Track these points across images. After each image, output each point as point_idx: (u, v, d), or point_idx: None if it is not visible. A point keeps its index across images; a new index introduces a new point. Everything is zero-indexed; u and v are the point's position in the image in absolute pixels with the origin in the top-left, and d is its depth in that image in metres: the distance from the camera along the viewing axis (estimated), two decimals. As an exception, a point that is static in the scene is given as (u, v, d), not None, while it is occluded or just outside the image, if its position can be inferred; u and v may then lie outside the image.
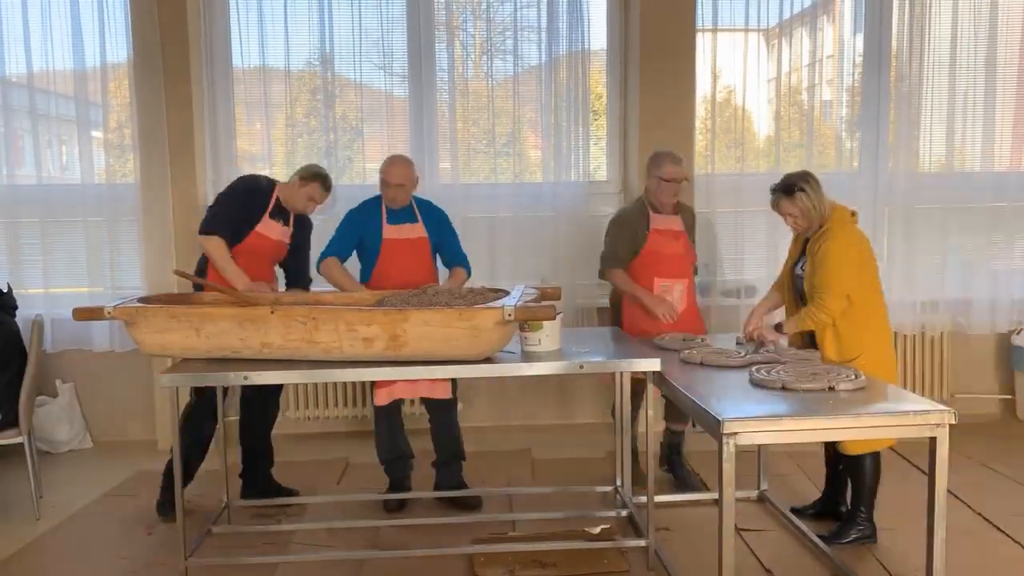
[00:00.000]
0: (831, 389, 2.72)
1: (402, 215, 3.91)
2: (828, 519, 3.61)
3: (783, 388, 2.76)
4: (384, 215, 3.89)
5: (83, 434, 5.05)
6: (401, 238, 3.88)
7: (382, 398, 3.80)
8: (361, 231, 3.90)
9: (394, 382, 3.72)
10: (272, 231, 3.81)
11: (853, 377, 2.81)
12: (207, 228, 3.68)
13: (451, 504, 3.91)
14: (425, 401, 3.95)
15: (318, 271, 3.90)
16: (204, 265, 3.77)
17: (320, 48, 5.01)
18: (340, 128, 5.19)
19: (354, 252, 3.96)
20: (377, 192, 3.95)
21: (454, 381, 3.91)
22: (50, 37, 4.89)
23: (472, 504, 3.90)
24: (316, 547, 3.53)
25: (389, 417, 3.91)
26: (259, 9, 4.97)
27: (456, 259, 4.01)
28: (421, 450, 4.04)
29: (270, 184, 3.90)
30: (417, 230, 3.91)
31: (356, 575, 3.27)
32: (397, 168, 3.85)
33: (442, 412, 3.92)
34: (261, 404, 3.97)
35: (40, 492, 4.01)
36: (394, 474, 3.97)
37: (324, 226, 4.13)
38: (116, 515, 3.93)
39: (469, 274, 4.01)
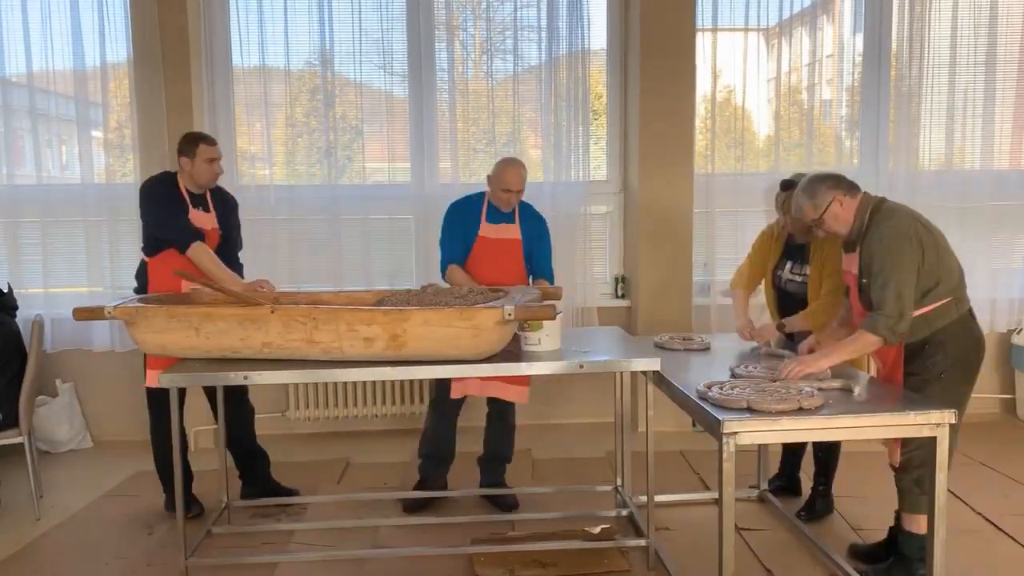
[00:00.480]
0: (801, 410, 2.52)
1: (502, 215, 3.89)
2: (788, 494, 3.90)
3: (748, 409, 2.53)
4: (484, 212, 3.88)
5: (83, 434, 5.05)
6: (495, 237, 3.86)
7: (455, 391, 3.78)
8: (464, 229, 3.88)
9: (466, 379, 3.68)
10: (201, 221, 3.71)
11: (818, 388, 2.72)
12: (185, 242, 3.58)
13: (488, 502, 3.93)
14: (491, 401, 3.93)
15: (443, 279, 3.88)
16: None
17: (320, 48, 5.01)
18: (340, 128, 5.19)
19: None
20: (477, 189, 3.95)
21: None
22: (50, 37, 4.88)
23: (508, 504, 3.89)
24: (316, 547, 3.53)
25: (447, 414, 3.90)
26: (259, 9, 4.97)
27: (542, 271, 3.94)
28: (463, 452, 4.04)
29: (172, 179, 3.75)
30: (512, 231, 3.89)
31: (356, 575, 3.27)
32: (515, 174, 3.78)
33: (507, 412, 3.94)
34: (235, 404, 3.88)
35: (40, 492, 4.01)
36: (426, 472, 3.96)
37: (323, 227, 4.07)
38: (116, 515, 3.93)
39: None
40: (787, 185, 3.46)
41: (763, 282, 3.80)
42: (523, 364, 3.14)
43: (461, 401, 3.90)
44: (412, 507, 3.86)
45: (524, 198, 3.92)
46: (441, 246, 3.93)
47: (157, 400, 3.67)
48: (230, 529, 3.67)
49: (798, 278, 3.57)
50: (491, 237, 3.87)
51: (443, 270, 3.88)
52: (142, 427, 5.04)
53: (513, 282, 3.76)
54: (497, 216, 3.89)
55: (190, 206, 3.72)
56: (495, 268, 3.82)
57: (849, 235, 2.97)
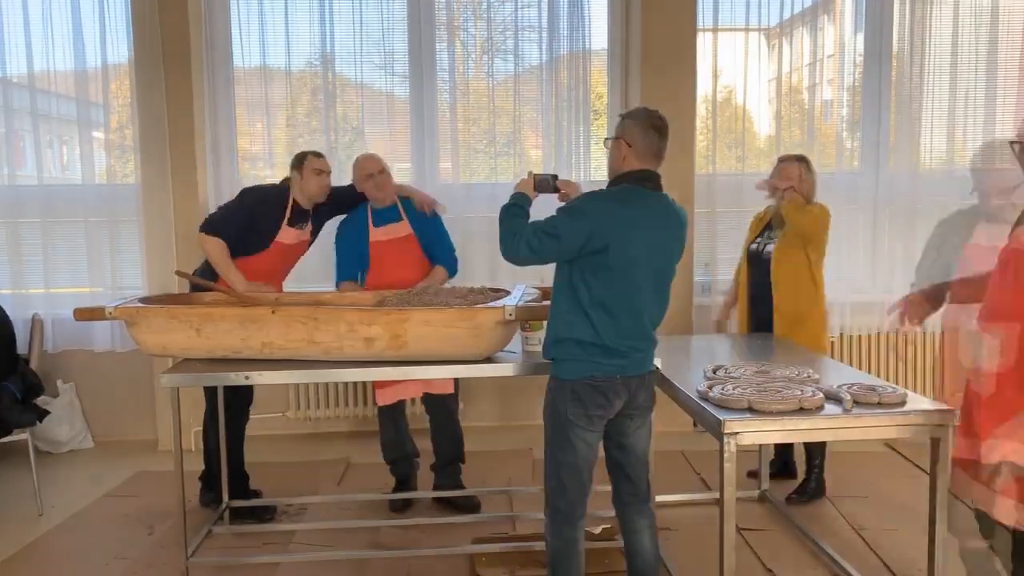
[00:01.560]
0: (801, 410, 2.52)
1: (386, 215, 3.87)
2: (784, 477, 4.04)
3: (750, 409, 2.54)
4: (369, 219, 3.86)
5: (83, 434, 5.05)
6: (388, 239, 3.84)
7: (385, 398, 3.79)
8: (352, 242, 3.87)
9: (395, 382, 3.71)
10: (288, 237, 3.79)
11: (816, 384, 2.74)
12: (210, 229, 3.66)
13: (449, 505, 3.91)
14: (425, 401, 3.93)
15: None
16: (207, 267, 3.77)
17: (321, 48, 5.01)
18: (341, 128, 5.19)
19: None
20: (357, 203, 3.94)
21: (456, 381, 3.89)
22: (51, 37, 4.89)
23: (470, 505, 3.89)
24: (316, 547, 3.53)
25: (393, 417, 3.91)
26: (259, 9, 4.97)
27: (440, 256, 3.91)
28: (425, 449, 4.04)
29: (282, 193, 3.80)
30: (402, 228, 3.87)
31: (356, 575, 3.27)
32: (368, 157, 3.85)
33: (442, 411, 3.90)
34: (238, 409, 3.86)
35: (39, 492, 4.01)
36: (399, 473, 3.97)
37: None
38: (116, 515, 3.93)
39: (452, 273, 3.95)
40: (786, 158, 3.89)
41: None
42: (523, 364, 3.14)
43: (402, 405, 3.91)
44: (399, 507, 3.88)
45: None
46: (336, 270, 3.94)
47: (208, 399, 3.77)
48: (230, 529, 3.67)
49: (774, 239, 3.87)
50: (383, 240, 3.84)
51: (336, 288, 3.87)
52: (142, 427, 5.08)
53: (418, 277, 3.77)
54: (382, 218, 3.86)
55: (285, 222, 3.74)
56: (397, 269, 3.80)
57: None
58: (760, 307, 3.88)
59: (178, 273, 3.71)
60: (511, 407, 5.25)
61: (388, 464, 3.99)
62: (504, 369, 3.16)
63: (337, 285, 3.90)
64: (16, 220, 4.98)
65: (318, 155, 3.82)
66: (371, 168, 3.80)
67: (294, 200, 3.78)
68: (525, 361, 3.15)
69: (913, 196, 5.13)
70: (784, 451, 4.17)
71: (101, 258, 4.99)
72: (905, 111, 5.12)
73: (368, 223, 3.86)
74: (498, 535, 3.53)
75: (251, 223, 3.70)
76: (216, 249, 3.64)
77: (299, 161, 3.79)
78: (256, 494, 3.96)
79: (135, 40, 4.80)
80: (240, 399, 3.83)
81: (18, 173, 5.10)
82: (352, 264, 3.90)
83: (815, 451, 3.91)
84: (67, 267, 5.02)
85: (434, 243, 3.92)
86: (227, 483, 3.76)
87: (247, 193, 3.86)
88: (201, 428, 3.85)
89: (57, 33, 4.89)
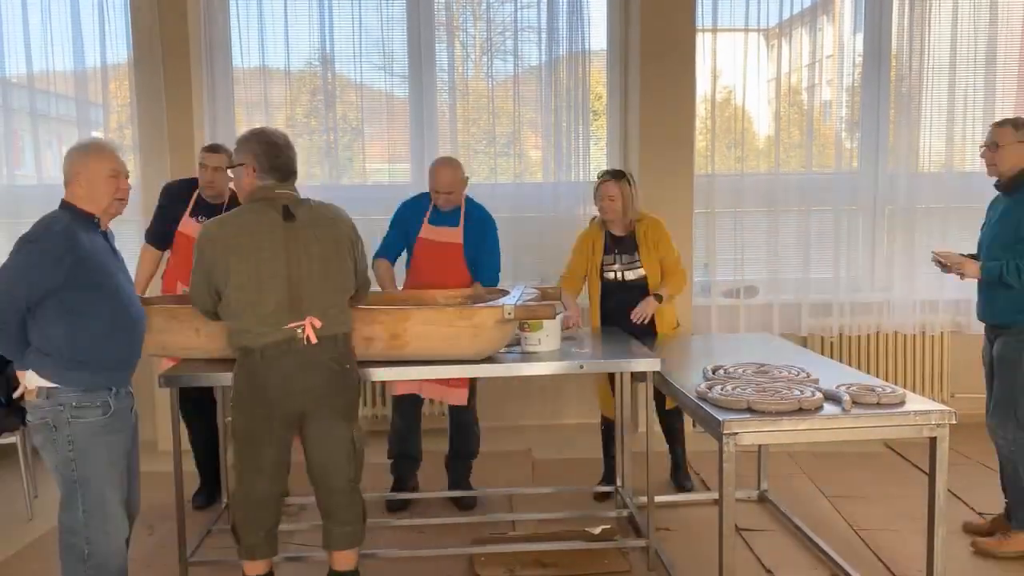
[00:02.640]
0: (801, 410, 2.54)
1: (445, 217, 3.83)
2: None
3: (749, 409, 2.56)
4: (428, 213, 3.84)
5: (83, 434, 5.04)
6: (434, 240, 3.82)
7: (400, 387, 3.78)
8: (406, 225, 3.87)
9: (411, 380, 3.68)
10: (190, 229, 3.77)
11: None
12: (147, 238, 4.00)
13: (450, 502, 3.93)
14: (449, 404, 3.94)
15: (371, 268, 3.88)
16: None
17: (320, 48, 5.01)
18: (340, 128, 5.19)
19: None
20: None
21: (472, 385, 3.88)
22: (50, 38, 4.89)
23: (467, 504, 3.90)
24: (316, 547, 3.52)
25: (406, 414, 3.92)
26: (259, 9, 4.97)
27: (483, 275, 3.84)
28: (431, 452, 4.05)
29: (190, 185, 3.93)
30: (453, 235, 3.81)
31: (356, 575, 3.26)
32: (442, 174, 3.75)
33: (461, 412, 3.93)
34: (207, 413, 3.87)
35: (35, 492, 3.99)
36: (398, 472, 3.98)
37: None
38: (116, 515, 3.93)
39: None
40: (604, 174, 3.94)
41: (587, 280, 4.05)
42: (523, 364, 3.14)
43: (419, 401, 3.91)
44: (397, 507, 3.89)
45: (524, 198, 3.92)
46: (381, 243, 3.93)
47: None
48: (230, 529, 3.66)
49: (636, 266, 3.91)
50: (430, 239, 3.82)
51: (373, 259, 3.83)
52: (141, 427, 5.04)
53: (453, 285, 3.72)
54: (440, 218, 3.83)
55: (187, 211, 3.84)
56: (435, 270, 3.78)
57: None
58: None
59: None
60: (511, 407, 5.25)
61: (390, 459, 3.98)
62: (504, 369, 3.17)
63: (375, 258, 3.85)
64: (16, 220, 4.97)
65: (212, 150, 3.84)
66: (439, 188, 3.76)
67: (199, 194, 3.85)
68: (525, 361, 3.15)
69: (912, 196, 5.13)
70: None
71: (100, 258, 4.98)
72: (904, 111, 5.12)
73: (426, 215, 3.85)
74: (498, 535, 3.53)
75: (161, 215, 3.90)
76: (144, 255, 3.93)
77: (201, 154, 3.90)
78: None
79: (134, 40, 4.80)
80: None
81: (17, 173, 5.10)
82: (395, 245, 3.88)
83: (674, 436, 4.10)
84: (66, 267, 5.01)
85: (481, 257, 3.85)
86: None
87: (164, 187, 4.04)
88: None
89: (56, 33, 4.89)
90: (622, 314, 3.84)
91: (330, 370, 2.71)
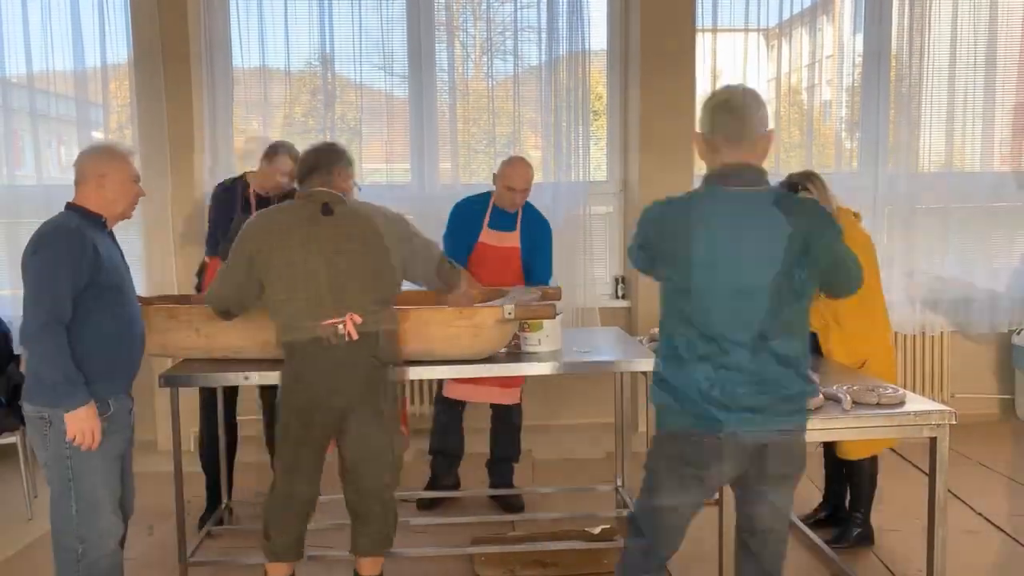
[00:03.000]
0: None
1: (504, 222, 3.85)
2: (831, 524, 3.57)
3: None
4: (487, 217, 3.84)
5: (83, 434, 5.03)
6: (495, 244, 3.83)
7: (454, 391, 3.78)
8: (464, 229, 3.86)
9: (469, 381, 3.68)
10: None
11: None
12: (209, 251, 3.73)
13: (498, 504, 3.94)
14: (492, 405, 3.95)
15: None
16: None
17: (320, 48, 5.01)
18: (339, 128, 5.18)
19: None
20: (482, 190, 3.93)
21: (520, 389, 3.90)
22: (50, 37, 4.88)
23: (516, 505, 3.91)
24: (316, 547, 3.52)
25: (449, 411, 3.92)
26: (259, 9, 4.97)
27: (537, 276, 3.87)
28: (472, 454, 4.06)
29: (236, 182, 3.82)
30: (512, 239, 3.84)
31: (356, 575, 3.26)
32: (520, 171, 3.74)
33: (508, 412, 3.94)
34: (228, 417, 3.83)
35: (35, 492, 3.98)
36: (438, 469, 3.98)
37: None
38: (116, 515, 3.93)
39: None
40: (781, 187, 3.47)
41: None
42: (523, 364, 3.14)
43: (463, 405, 3.91)
44: (426, 505, 3.89)
45: (530, 198, 3.90)
46: (444, 242, 3.89)
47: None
48: (230, 529, 3.67)
49: None
50: (491, 244, 3.84)
51: None
52: (141, 427, 5.03)
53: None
54: (500, 222, 3.85)
55: (252, 209, 3.69)
56: (493, 274, 3.78)
57: None
58: None
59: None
60: (510, 407, 5.25)
61: (430, 455, 4.00)
62: (503, 369, 3.17)
63: None
64: (15, 220, 4.97)
65: (293, 156, 3.66)
66: (516, 186, 3.75)
67: (253, 191, 3.76)
68: (524, 361, 3.15)
69: (912, 197, 5.13)
70: (837, 494, 3.65)
71: (100, 258, 4.97)
72: (904, 111, 5.12)
73: (485, 219, 3.85)
74: (498, 535, 3.53)
75: (222, 220, 3.70)
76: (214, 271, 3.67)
77: (271, 152, 3.72)
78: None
79: (134, 40, 4.80)
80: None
81: (17, 173, 5.09)
82: (458, 254, 3.72)
83: (862, 497, 3.48)
84: (66, 267, 5.00)
85: (536, 261, 3.87)
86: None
87: (214, 193, 3.85)
88: (193, 429, 3.84)
89: (56, 33, 4.88)
90: None
91: (370, 368, 2.70)
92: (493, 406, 3.94)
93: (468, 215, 3.89)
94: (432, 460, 4.00)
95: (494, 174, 3.86)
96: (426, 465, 4.07)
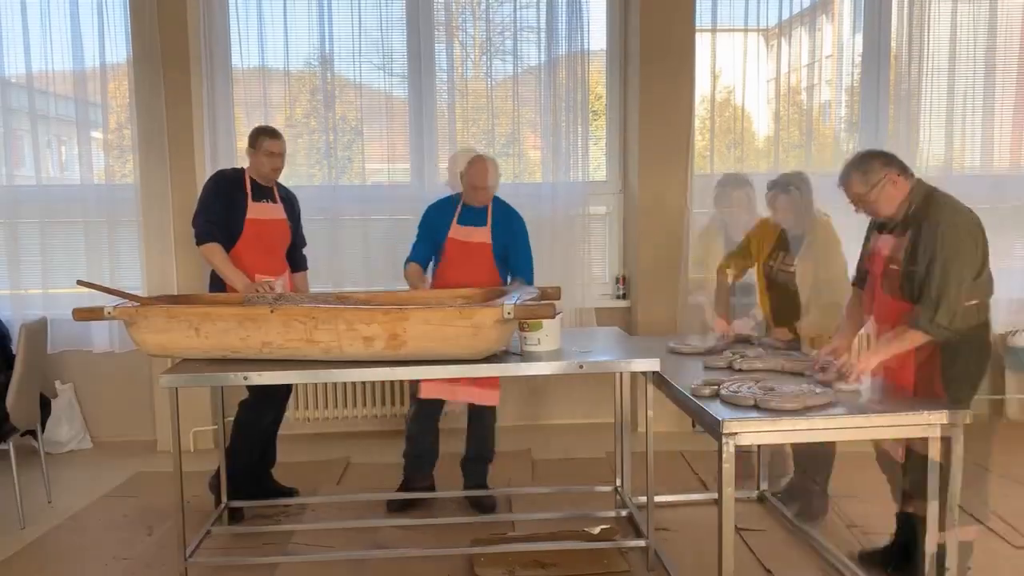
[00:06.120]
0: (807, 408, 2.53)
1: (473, 217, 3.86)
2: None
3: (755, 406, 2.57)
4: (457, 214, 3.86)
5: (83, 434, 5.05)
6: (464, 240, 3.84)
7: (428, 391, 3.77)
8: (435, 228, 3.89)
9: (444, 380, 3.67)
10: (263, 213, 3.81)
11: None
12: (202, 238, 3.67)
13: (469, 503, 3.93)
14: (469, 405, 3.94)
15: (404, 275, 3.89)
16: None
17: (320, 48, 5.01)
18: (340, 128, 5.19)
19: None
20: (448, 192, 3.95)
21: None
22: (49, 37, 4.88)
23: (488, 506, 3.90)
24: (316, 547, 3.53)
25: (428, 416, 3.92)
26: (259, 9, 4.97)
27: (519, 270, 3.89)
28: (446, 453, 4.05)
29: (238, 171, 3.89)
30: (482, 235, 3.85)
31: (356, 575, 3.26)
32: (480, 170, 3.77)
33: (484, 412, 3.93)
34: (273, 404, 3.89)
35: (20, 498, 3.89)
36: (410, 472, 3.97)
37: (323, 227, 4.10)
38: (116, 515, 3.93)
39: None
40: (773, 185, 3.60)
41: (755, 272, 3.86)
42: (523, 364, 3.14)
43: (440, 401, 3.90)
44: (396, 507, 3.88)
45: (524, 198, 3.92)
46: (412, 249, 3.94)
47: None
48: (230, 529, 3.67)
49: (789, 268, 3.63)
50: (460, 239, 3.85)
51: (405, 265, 3.89)
52: (141, 428, 5.08)
53: (484, 284, 3.75)
54: (468, 218, 3.86)
55: (250, 198, 3.77)
56: (465, 270, 3.80)
57: (893, 216, 2.85)
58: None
59: (80, 283, 3.39)
60: (510, 408, 5.25)
61: (404, 458, 3.99)
62: (503, 369, 3.17)
63: (406, 264, 3.89)
64: (15, 220, 4.97)
65: (273, 135, 3.80)
66: (479, 184, 3.77)
67: (251, 178, 3.82)
68: (524, 361, 3.14)
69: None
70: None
71: (100, 258, 4.98)
72: (903, 111, 5.12)
73: (455, 216, 3.87)
74: (498, 535, 3.53)
75: (228, 205, 3.73)
76: (213, 255, 3.66)
77: (253, 139, 3.81)
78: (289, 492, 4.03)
79: (134, 40, 4.80)
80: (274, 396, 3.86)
81: (16, 173, 5.09)
82: (426, 249, 3.90)
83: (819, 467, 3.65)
84: (66, 268, 5.00)
85: (514, 255, 3.89)
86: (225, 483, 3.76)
87: (212, 179, 3.87)
88: (194, 429, 3.84)
89: (55, 33, 4.88)
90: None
91: None
92: (469, 405, 3.93)
93: (437, 216, 3.91)
94: (405, 463, 3.98)
95: (460, 173, 3.86)
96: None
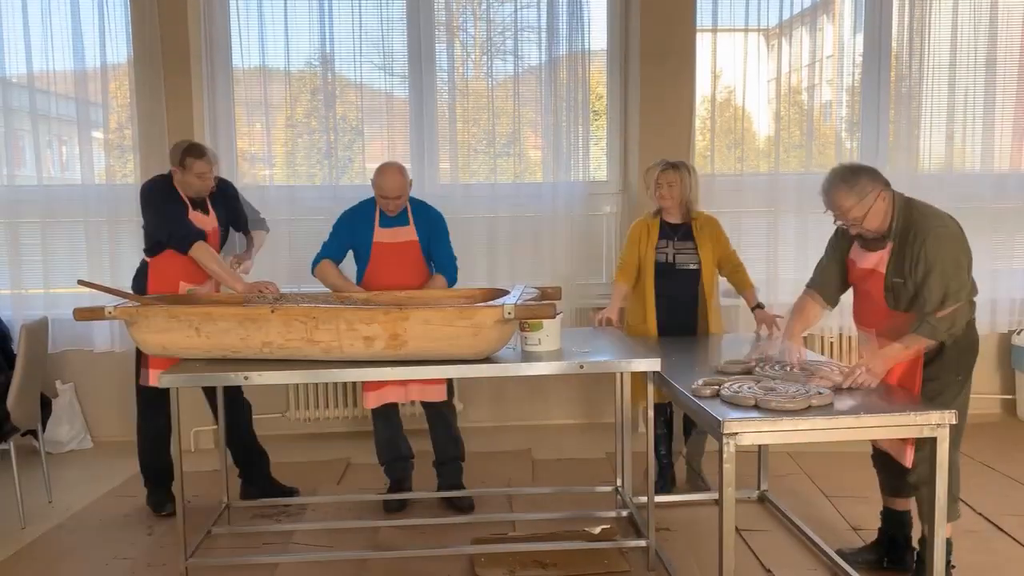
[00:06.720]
0: (809, 408, 2.54)
1: (395, 218, 3.84)
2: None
3: (756, 406, 2.57)
4: (377, 218, 3.84)
5: (83, 434, 5.05)
6: (391, 242, 3.82)
7: (371, 401, 3.78)
8: (353, 233, 3.85)
9: (384, 385, 3.71)
10: (200, 223, 3.76)
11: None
12: (191, 238, 3.63)
13: (447, 504, 3.92)
14: (424, 405, 3.93)
15: (312, 274, 3.84)
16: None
17: (320, 48, 5.01)
18: (340, 128, 5.19)
19: (350, 253, 3.91)
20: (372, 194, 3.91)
21: (450, 384, 3.89)
22: (50, 37, 4.88)
23: (464, 505, 3.89)
24: (316, 547, 3.53)
25: (386, 419, 3.92)
26: (259, 9, 4.97)
27: (440, 265, 3.88)
28: (422, 451, 4.04)
29: (168, 179, 3.79)
30: (407, 233, 3.83)
31: (356, 575, 3.27)
32: (390, 180, 3.71)
33: (439, 414, 3.91)
34: (228, 402, 3.84)
35: (22, 496, 3.90)
36: (394, 475, 3.97)
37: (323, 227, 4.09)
38: (116, 515, 3.94)
39: (451, 283, 3.88)
40: (667, 165, 3.88)
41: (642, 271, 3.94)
42: (523, 364, 3.14)
43: (395, 406, 3.90)
44: (394, 507, 3.88)
45: (524, 198, 3.91)
46: (322, 246, 3.87)
47: (147, 398, 3.77)
48: (230, 529, 3.67)
49: (689, 253, 3.87)
50: (386, 242, 3.81)
51: (314, 265, 3.80)
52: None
53: (416, 283, 3.75)
54: (390, 220, 3.82)
55: (189, 208, 3.75)
56: (396, 271, 3.78)
57: (879, 232, 2.84)
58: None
59: (81, 283, 3.42)
60: (511, 407, 5.25)
61: (382, 465, 3.99)
62: (503, 369, 3.17)
63: (317, 262, 3.80)
64: (15, 220, 4.98)
65: (199, 155, 3.69)
66: (388, 194, 3.73)
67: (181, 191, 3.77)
68: (524, 361, 3.15)
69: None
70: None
71: (100, 258, 4.98)
72: (904, 111, 5.12)
73: (375, 220, 3.84)
74: (498, 535, 3.53)
75: (183, 213, 3.69)
76: (203, 255, 3.62)
77: (180, 157, 3.70)
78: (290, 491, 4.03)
79: (134, 40, 4.80)
80: (229, 393, 3.84)
81: (17, 173, 5.10)
82: (340, 248, 3.84)
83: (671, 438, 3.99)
84: (67, 267, 5.01)
85: (436, 251, 3.88)
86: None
87: (154, 187, 3.77)
88: (194, 428, 3.84)
89: (56, 33, 4.88)
90: (670, 301, 3.87)
91: None
92: (425, 407, 3.91)
93: (356, 220, 3.85)
94: (386, 468, 3.98)
95: (372, 180, 3.80)
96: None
